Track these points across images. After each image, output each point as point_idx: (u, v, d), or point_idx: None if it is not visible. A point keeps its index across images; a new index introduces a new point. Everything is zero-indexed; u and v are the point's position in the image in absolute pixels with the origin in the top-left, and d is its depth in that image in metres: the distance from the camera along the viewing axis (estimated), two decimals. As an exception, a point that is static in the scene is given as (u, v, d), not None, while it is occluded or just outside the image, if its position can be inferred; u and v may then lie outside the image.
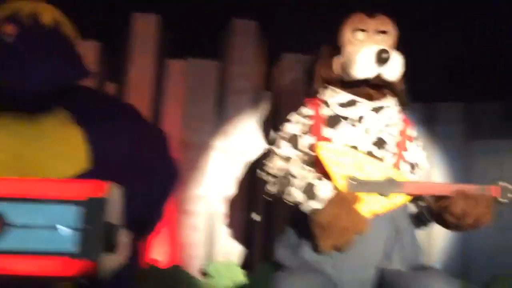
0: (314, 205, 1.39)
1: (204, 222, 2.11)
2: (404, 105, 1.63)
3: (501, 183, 1.42)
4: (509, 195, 1.42)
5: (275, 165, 1.55)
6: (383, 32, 1.57)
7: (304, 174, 1.46)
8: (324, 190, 1.40)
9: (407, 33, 1.58)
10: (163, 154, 1.50)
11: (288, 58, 2.17)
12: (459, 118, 2.14)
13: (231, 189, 2.14)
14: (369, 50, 1.47)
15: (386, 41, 1.57)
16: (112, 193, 0.82)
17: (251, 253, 2.12)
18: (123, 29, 2.16)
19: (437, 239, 2.10)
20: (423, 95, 2.12)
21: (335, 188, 1.40)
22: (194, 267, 2.08)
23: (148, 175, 1.42)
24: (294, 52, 2.15)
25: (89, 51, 2.06)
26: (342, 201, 1.36)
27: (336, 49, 1.57)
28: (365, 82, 1.51)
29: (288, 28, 2.22)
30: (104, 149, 1.33)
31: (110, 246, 0.83)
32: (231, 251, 2.11)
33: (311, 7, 2.16)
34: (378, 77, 1.49)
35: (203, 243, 2.10)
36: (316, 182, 1.41)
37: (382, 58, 1.45)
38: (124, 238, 1.02)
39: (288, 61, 2.17)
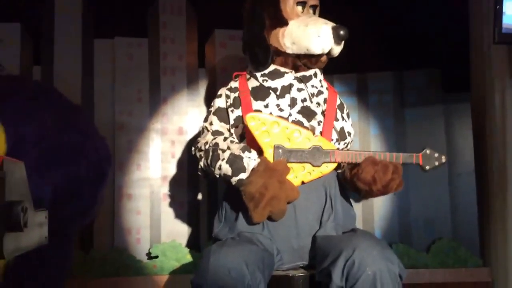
0: (241, 176, 1.40)
1: (147, 205, 2.08)
2: (324, 73, 1.65)
3: (426, 151, 1.45)
4: (435, 162, 1.45)
5: (207, 141, 1.54)
6: (314, 5, 1.58)
7: (231, 146, 1.45)
8: (250, 161, 1.41)
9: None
10: (87, 137, 1.46)
11: (220, 34, 2.15)
12: (389, 87, 2.19)
13: (172, 170, 2.12)
14: (328, 27, 1.47)
15: (317, 15, 1.59)
16: (8, 169, 0.79)
17: (197, 232, 2.11)
18: (45, 9, 2.07)
19: (376, 207, 2.16)
20: (354, 66, 2.16)
21: (264, 158, 1.41)
22: (140, 250, 2.06)
23: (72, 158, 1.39)
24: (225, 27, 2.14)
25: (10, 34, 2.00)
26: (270, 170, 1.37)
27: (278, 21, 1.54)
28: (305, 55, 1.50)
29: (218, 3, 2.18)
30: (20, 133, 1.29)
31: (13, 225, 0.80)
32: (176, 232, 2.09)
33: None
34: (328, 52, 1.50)
35: (147, 226, 2.07)
36: (241, 153, 1.41)
37: (341, 36, 1.46)
38: (39, 217, 0.98)
39: (221, 37, 2.15)
